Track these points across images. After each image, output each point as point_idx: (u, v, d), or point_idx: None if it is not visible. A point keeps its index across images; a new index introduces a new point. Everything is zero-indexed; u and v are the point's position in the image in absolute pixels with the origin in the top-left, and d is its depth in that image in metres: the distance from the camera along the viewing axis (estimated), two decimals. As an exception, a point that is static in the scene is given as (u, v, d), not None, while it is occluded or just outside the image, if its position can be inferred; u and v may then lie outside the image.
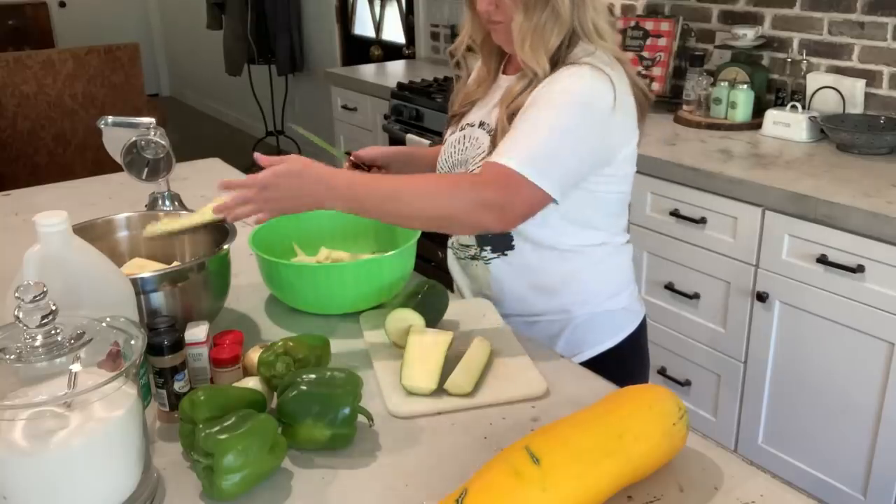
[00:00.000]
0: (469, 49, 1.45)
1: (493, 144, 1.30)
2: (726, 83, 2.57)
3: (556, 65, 1.28)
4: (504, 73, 1.43)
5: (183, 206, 1.69)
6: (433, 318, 1.29)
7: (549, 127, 1.22)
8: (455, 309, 1.37)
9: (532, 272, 1.40)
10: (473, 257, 1.46)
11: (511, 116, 1.28)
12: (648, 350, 1.55)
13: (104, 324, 0.91)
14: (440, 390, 1.13)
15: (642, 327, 1.50)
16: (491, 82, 1.44)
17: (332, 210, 1.18)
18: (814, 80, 2.48)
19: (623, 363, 1.45)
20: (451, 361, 1.19)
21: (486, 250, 1.43)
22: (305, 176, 1.16)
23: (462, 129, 1.45)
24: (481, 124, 1.40)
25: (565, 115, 1.23)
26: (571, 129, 1.23)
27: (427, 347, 1.16)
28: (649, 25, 2.83)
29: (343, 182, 1.19)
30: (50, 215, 0.98)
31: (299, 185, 1.16)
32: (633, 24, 2.87)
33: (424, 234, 1.40)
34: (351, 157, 1.55)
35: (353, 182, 1.20)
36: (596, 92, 1.24)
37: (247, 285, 1.47)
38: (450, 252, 1.55)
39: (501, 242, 1.40)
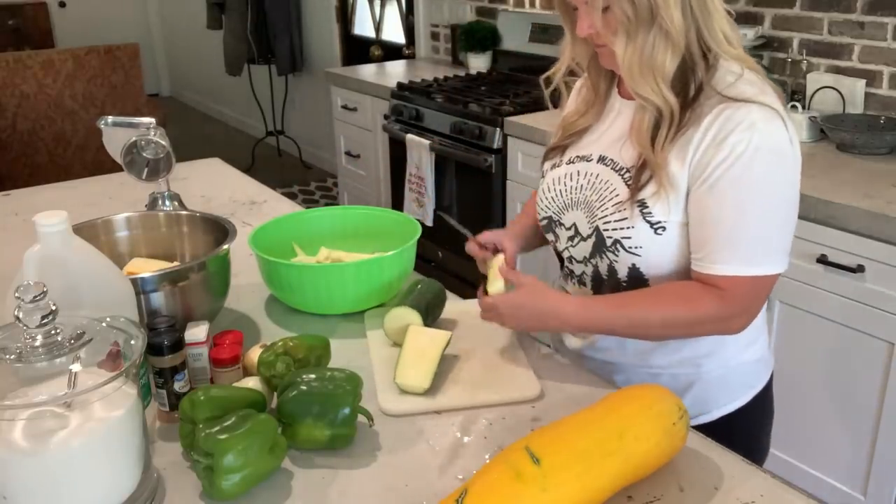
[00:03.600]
0: (571, 73, 1.29)
1: (634, 187, 1.15)
2: (726, 83, 2.57)
3: (699, 93, 1.11)
4: (621, 95, 1.24)
5: (182, 206, 1.69)
6: (431, 316, 1.29)
7: (763, 209, 1.10)
8: (454, 308, 1.37)
9: None
10: None
11: (653, 155, 1.13)
12: (774, 403, 1.38)
13: (104, 324, 0.91)
14: (433, 389, 1.13)
15: (771, 379, 1.34)
16: (601, 107, 1.27)
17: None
18: (814, 80, 2.48)
19: (753, 422, 1.30)
20: (448, 361, 1.19)
21: None
22: (532, 308, 1.18)
23: (571, 162, 1.26)
24: (602, 159, 1.22)
25: (769, 187, 1.10)
26: (779, 198, 1.11)
27: (423, 346, 1.16)
28: (649, 25, 2.83)
29: (574, 319, 1.18)
30: (50, 215, 0.98)
31: (528, 316, 1.19)
32: (633, 24, 2.87)
33: (424, 234, 1.40)
34: (474, 238, 1.37)
35: (584, 318, 1.18)
36: (777, 142, 1.09)
37: (247, 285, 1.47)
38: None
39: None
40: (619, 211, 1.16)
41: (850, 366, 1.95)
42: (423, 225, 1.89)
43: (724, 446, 1.04)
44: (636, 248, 1.16)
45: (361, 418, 1.03)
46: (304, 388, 1.01)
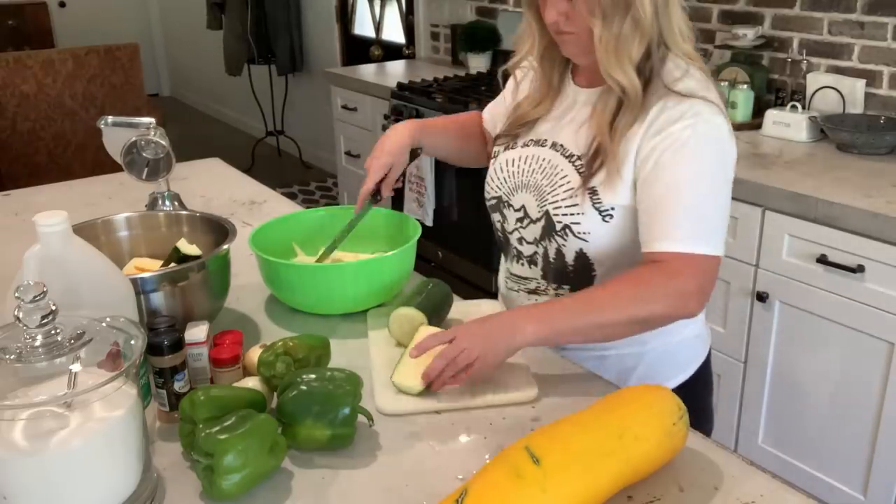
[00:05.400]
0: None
1: (587, 174, 1.20)
2: (726, 83, 2.57)
3: (648, 82, 1.17)
4: (577, 84, 1.30)
5: (182, 206, 1.69)
6: (437, 316, 1.29)
7: (707, 193, 1.15)
8: (459, 308, 1.37)
9: None
10: (534, 291, 1.34)
11: (610, 141, 1.18)
12: (713, 375, 1.44)
13: (104, 324, 0.91)
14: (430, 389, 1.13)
15: (710, 352, 1.40)
16: (555, 97, 1.32)
17: (525, 345, 1.12)
18: (814, 80, 2.48)
19: (696, 395, 1.34)
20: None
21: (558, 288, 1.30)
22: (489, 320, 1.14)
23: (525, 146, 1.32)
24: (554, 145, 1.27)
25: (712, 173, 1.16)
26: (719, 185, 1.17)
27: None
28: (649, 25, 2.83)
29: (527, 313, 1.13)
30: (50, 215, 0.98)
31: (485, 328, 1.12)
32: (633, 24, 2.87)
33: (425, 235, 1.40)
34: (377, 193, 1.43)
35: (539, 311, 1.13)
36: (720, 133, 1.17)
37: (247, 285, 1.47)
38: (501, 281, 1.43)
39: (582, 281, 1.27)
40: (571, 197, 1.22)
41: (850, 366, 1.95)
42: (423, 225, 1.89)
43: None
44: (584, 233, 1.22)
45: (361, 418, 1.03)
46: (304, 388, 1.01)
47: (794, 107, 2.41)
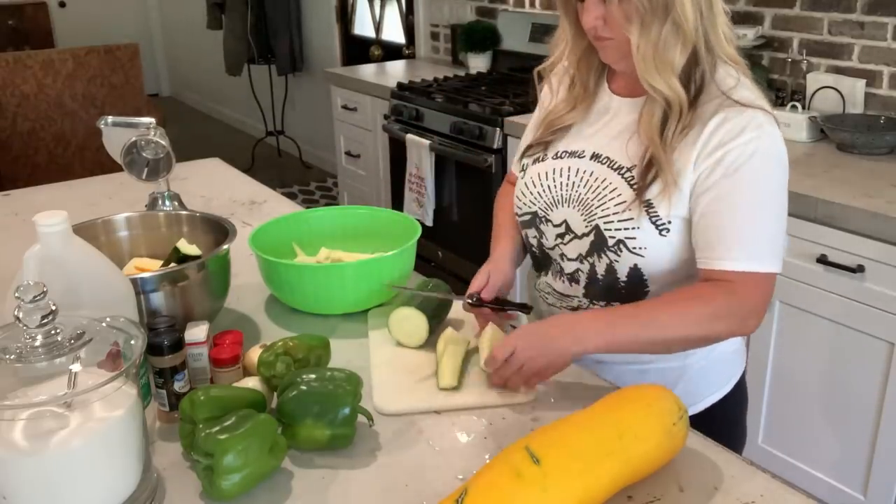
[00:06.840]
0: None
1: (641, 186, 1.15)
2: (726, 83, 2.57)
3: (701, 90, 1.13)
4: (614, 92, 1.24)
5: (182, 206, 1.69)
6: (437, 316, 1.29)
7: (771, 209, 1.13)
8: (459, 308, 1.37)
9: None
10: (576, 309, 1.28)
11: (662, 151, 1.13)
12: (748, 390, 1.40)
13: (104, 324, 0.91)
14: (430, 389, 1.14)
15: (745, 367, 1.37)
16: (589, 104, 1.26)
17: (587, 353, 1.13)
18: (814, 80, 2.48)
19: (733, 410, 1.34)
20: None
21: (606, 306, 1.24)
22: (549, 326, 1.15)
23: (559, 157, 1.26)
24: (596, 156, 1.22)
25: (775, 188, 1.13)
26: (780, 200, 1.14)
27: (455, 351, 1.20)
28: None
29: (590, 320, 1.14)
30: (50, 215, 0.98)
31: (547, 336, 1.12)
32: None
33: (425, 235, 1.40)
34: (470, 301, 1.29)
35: (602, 321, 1.14)
36: (779, 146, 1.13)
37: (247, 285, 1.47)
38: (538, 296, 1.36)
39: (635, 297, 1.21)
40: (625, 211, 1.16)
41: (850, 366, 1.95)
42: (423, 225, 1.89)
43: (707, 436, 1.05)
44: (640, 248, 1.17)
45: (361, 418, 1.03)
46: (304, 388, 1.01)
47: (794, 107, 2.41)
